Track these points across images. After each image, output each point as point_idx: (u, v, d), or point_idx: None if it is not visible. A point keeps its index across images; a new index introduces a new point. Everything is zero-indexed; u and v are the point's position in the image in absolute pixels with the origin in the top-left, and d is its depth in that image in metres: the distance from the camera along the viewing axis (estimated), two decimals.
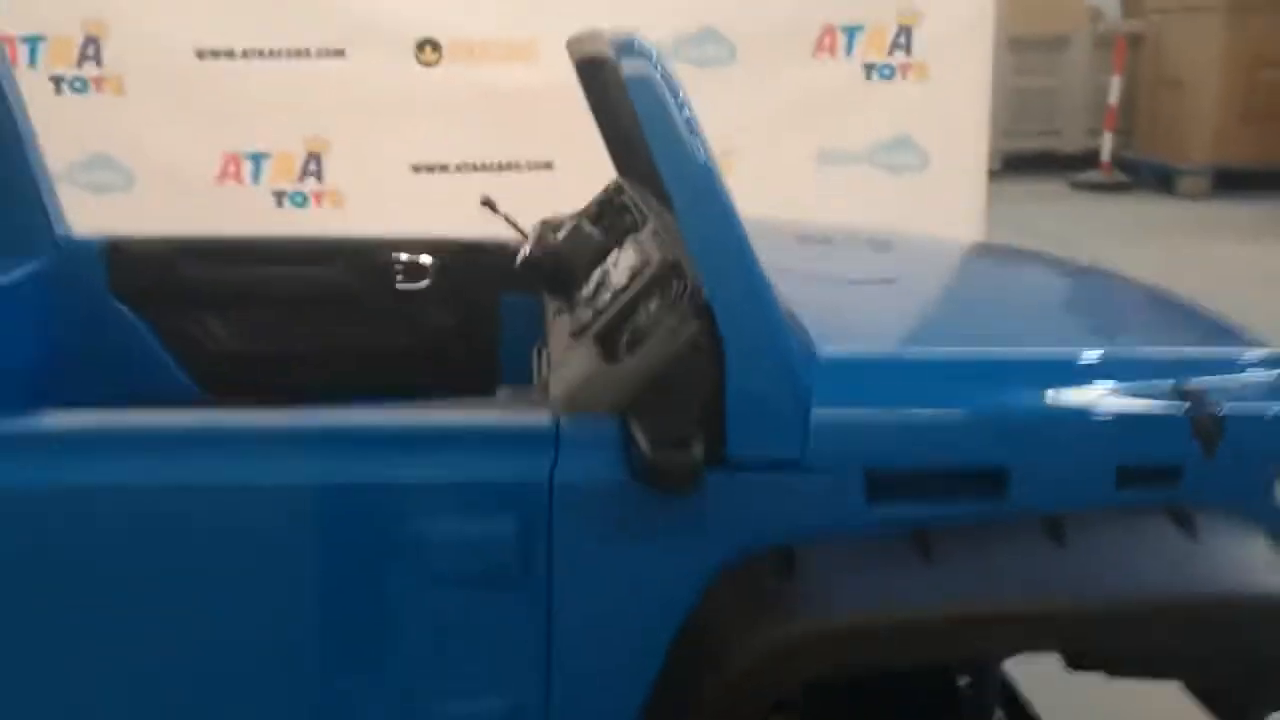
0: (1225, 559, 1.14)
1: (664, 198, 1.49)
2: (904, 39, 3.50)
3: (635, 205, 1.56)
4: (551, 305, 1.47)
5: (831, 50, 3.49)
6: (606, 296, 1.26)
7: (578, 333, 1.24)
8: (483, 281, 1.80)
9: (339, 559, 1.03)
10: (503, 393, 1.22)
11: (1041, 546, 1.07)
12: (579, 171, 3.38)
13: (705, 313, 1.05)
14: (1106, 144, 8.15)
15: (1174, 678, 1.27)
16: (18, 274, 1.57)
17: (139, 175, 3.31)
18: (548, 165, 3.47)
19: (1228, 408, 1.16)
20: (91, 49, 3.25)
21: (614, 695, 1.08)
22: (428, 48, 3.34)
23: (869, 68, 3.50)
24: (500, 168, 3.46)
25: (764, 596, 1.04)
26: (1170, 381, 1.17)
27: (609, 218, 1.60)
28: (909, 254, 1.77)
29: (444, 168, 3.44)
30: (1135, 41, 8.33)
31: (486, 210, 1.79)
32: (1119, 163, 8.25)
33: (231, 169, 3.36)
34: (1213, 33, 7.48)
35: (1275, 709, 1.26)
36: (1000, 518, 1.10)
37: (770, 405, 1.05)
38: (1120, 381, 1.18)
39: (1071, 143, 8.74)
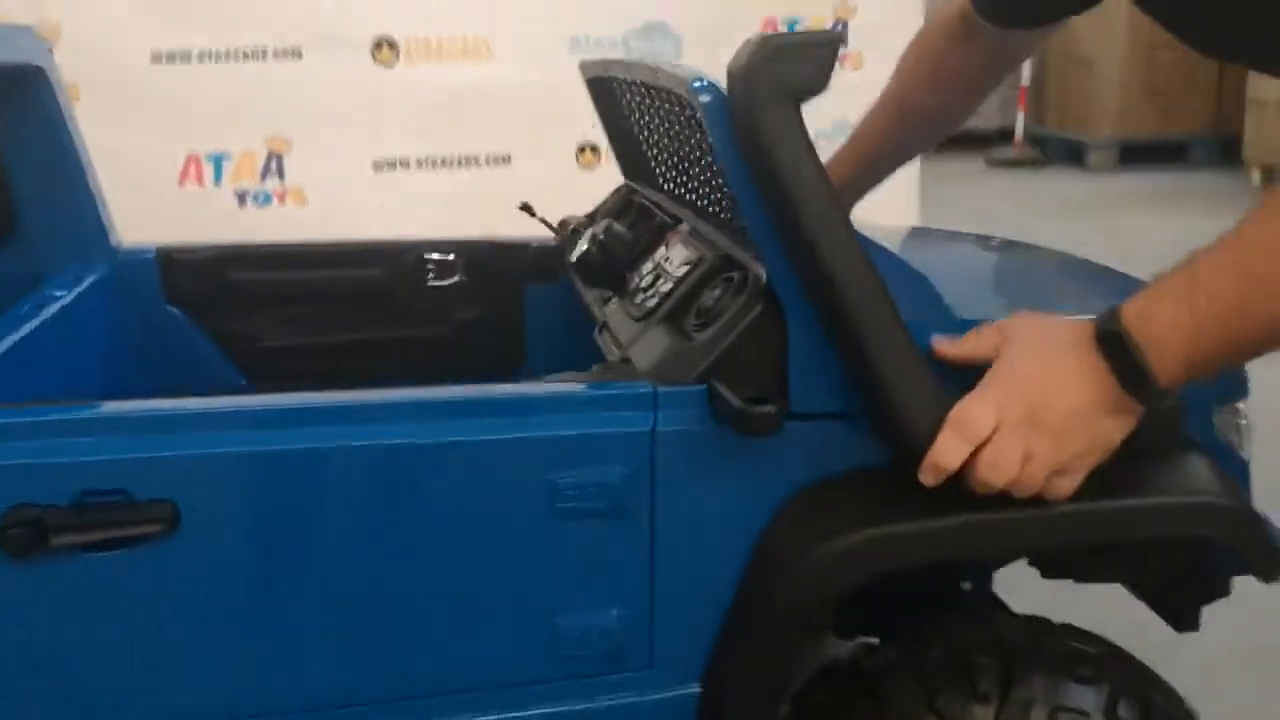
0: (1170, 477, 1.30)
1: (684, 203, 1.65)
2: (841, 30, 3.69)
3: (658, 207, 1.71)
4: (593, 295, 1.61)
5: None
6: (667, 286, 1.41)
7: (642, 317, 1.40)
8: (507, 276, 1.93)
9: (493, 500, 1.20)
10: (596, 368, 1.35)
11: None
12: (535, 164, 3.55)
13: (766, 296, 1.22)
14: (1019, 122, 8.47)
15: (1123, 579, 1.48)
16: (84, 284, 1.65)
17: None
18: (505, 159, 3.59)
19: None
20: None
21: (704, 601, 1.26)
22: (385, 47, 3.43)
23: None
24: (461, 163, 3.57)
25: (829, 514, 1.23)
26: None
27: (631, 217, 1.75)
28: (910, 242, 1.93)
29: (405, 164, 3.53)
30: None
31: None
32: (1032, 139, 8.58)
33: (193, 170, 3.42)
34: (1117, 16, 7.83)
35: (1207, 603, 1.45)
36: None
37: (821, 371, 1.22)
38: None
39: (987, 121, 9.03)
